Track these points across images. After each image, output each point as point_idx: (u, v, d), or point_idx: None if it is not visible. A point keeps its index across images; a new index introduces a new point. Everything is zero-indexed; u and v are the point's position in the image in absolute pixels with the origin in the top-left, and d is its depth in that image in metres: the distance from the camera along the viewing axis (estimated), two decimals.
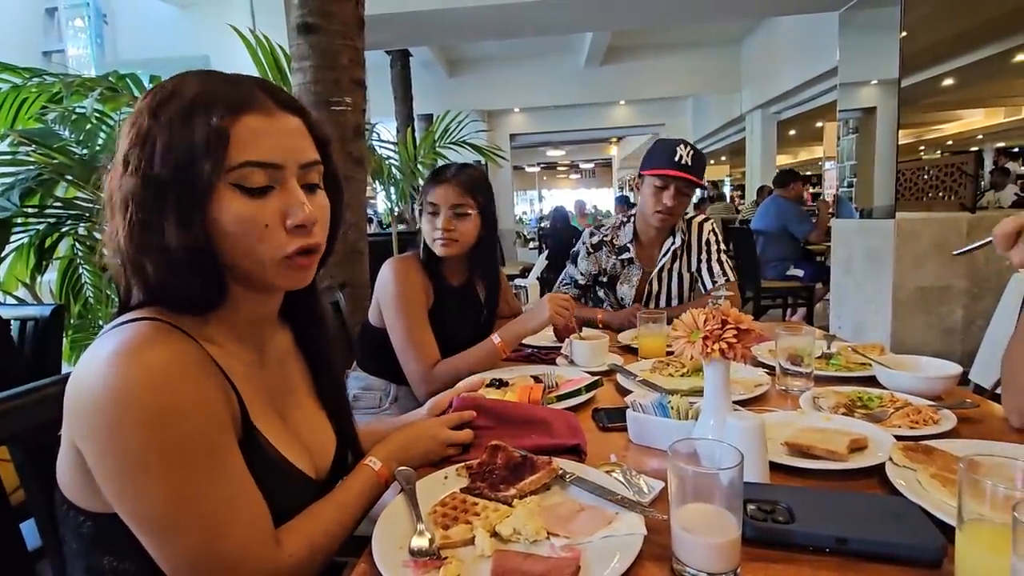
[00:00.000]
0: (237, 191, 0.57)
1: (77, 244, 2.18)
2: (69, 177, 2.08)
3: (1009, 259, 0.86)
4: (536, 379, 1.20)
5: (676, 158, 1.63)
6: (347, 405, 0.81)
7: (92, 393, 0.51)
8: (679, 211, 1.69)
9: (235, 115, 0.57)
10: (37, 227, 2.06)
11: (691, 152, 1.65)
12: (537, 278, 2.57)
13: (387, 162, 3.98)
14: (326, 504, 0.67)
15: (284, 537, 0.60)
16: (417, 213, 1.43)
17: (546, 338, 1.58)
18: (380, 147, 4.00)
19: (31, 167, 2.05)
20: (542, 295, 2.51)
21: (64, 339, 1.88)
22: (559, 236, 6.04)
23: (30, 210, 2.05)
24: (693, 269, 1.80)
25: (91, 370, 0.52)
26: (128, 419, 0.50)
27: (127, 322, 0.55)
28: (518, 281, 2.55)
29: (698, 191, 1.79)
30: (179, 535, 0.52)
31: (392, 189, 4.13)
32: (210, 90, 0.58)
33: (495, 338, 1.32)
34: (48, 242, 2.10)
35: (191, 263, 0.57)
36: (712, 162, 17.35)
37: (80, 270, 2.23)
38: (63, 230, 2.12)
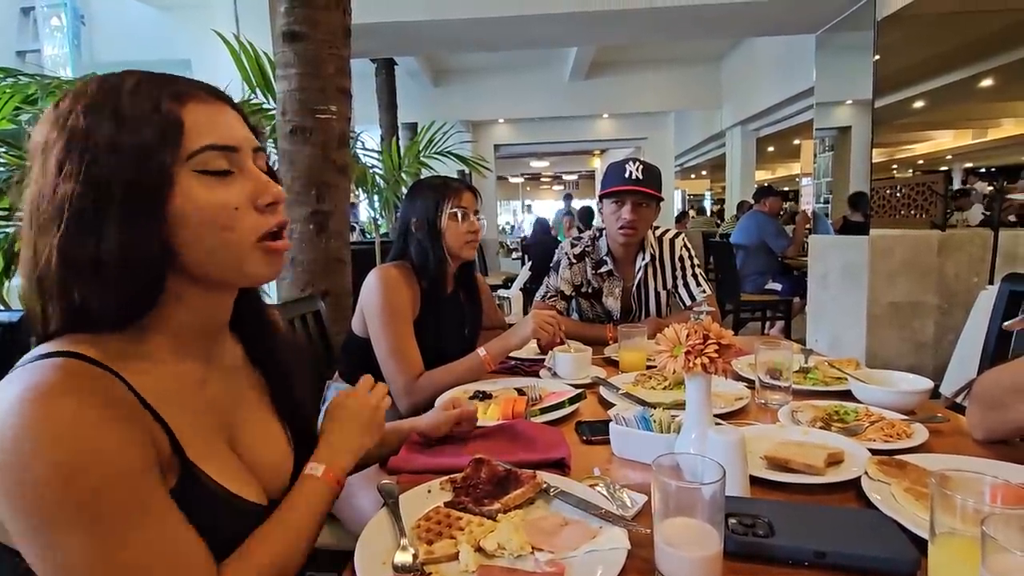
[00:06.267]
0: (201, 177, 0.55)
1: None
2: None
3: None
4: (520, 391, 1.20)
5: (627, 175, 1.69)
6: (310, 419, 0.76)
7: None
8: (641, 224, 1.72)
9: (181, 102, 0.55)
10: (6, 230, 2.00)
11: (640, 167, 1.70)
12: (520, 289, 2.57)
13: (371, 171, 3.96)
14: (272, 527, 0.61)
15: (227, 571, 0.55)
16: (422, 220, 1.40)
17: (530, 350, 1.58)
18: (364, 155, 3.98)
19: (2, 169, 1.99)
20: (525, 306, 2.52)
21: (32, 347, 1.82)
22: (542, 247, 6.06)
23: (0, 213, 1.99)
24: (669, 286, 1.83)
25: None
26: (36, 477, 0.45)
27: (40, 358, 0.50)
28: (501, 292, 2.55)
29: (677, 207, 1.83)
30: None
31: (376, 198, 4.10)
32: (148, 80, 0.56)
33: (481, 352, 1.32)
34: (17, 246, 2.04)
35: (130, 271, 0.52)
36: (693, 176, 17.67)
37: None
38: None
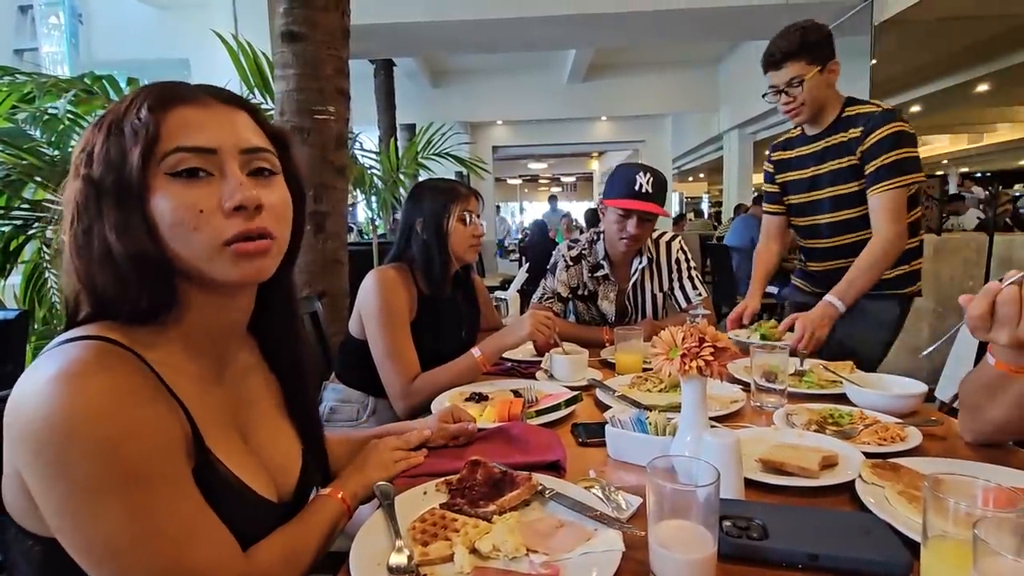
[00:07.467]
0: (172, 179, 0.56)
1: (44, 248, 2.12)
2: (38, 179, 2.03)
3: (994, 341, 0.73)
4: (516, 393, 1.21)
5: (637, 187, 1.63)
6: (318, 424, 0.79)
7: (32, 421, 0.48)
8: (644, 237, 1.71)
9: (166, 107, 0.57)
10: (2, 229, 2.00)
11: (651, 179, 1.64)
12: (517, 290, 2.57)
13: (369, 172, 3.95)
14: (295, 524, 0.67)
15: (255, 552, 0.59)
16: (429, 222, 1.40)
17: (526, 352, 1.58)
18: (362, 156, 3.98)
19: None
20: (522, 307, 2.52)
21: (28, 346, 1.81)
22: (539, 249, 6.07)
23: None
24: (665, 288, 1.83)
25: (30, 395, 0.49)
26: (74, 450, 0.47)
27: (71, 340, 0.52)
28: (498, 293, 2.55)
29: (674, 210, 1.82)
30: (142, 556, 0.50)
31: (373, 199, 4.10)
32: (146, 89, 0.58)
33: (475, 351, 1.32)
34: (13, 245, 2.03)
35: (136, 268, 0.55)
36: (691, 179, 17.71)
37: (46, 274, 2.16)
38: (29, 233, 2.05)
